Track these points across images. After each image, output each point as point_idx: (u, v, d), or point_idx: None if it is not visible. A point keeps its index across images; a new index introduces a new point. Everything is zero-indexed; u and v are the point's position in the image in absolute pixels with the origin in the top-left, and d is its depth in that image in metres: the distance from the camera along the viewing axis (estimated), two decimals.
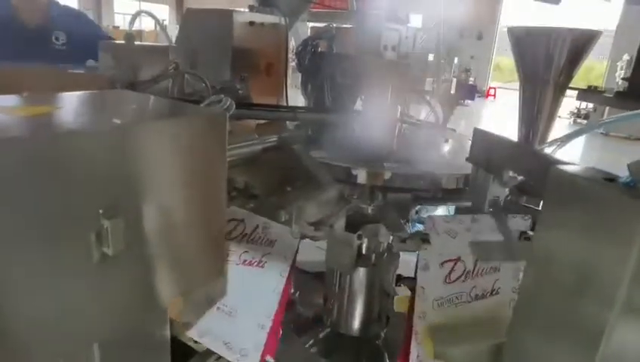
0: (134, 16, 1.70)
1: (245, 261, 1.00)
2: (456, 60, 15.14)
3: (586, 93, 1.44)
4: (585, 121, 10.31)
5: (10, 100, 0.65)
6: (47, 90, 0.74)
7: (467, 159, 0.94)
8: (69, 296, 0.52)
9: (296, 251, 0.99)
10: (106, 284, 0.54)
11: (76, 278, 0.52)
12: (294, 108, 1.40)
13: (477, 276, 0.88)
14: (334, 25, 2.06)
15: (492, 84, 16.62)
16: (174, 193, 0.61)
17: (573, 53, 1.32)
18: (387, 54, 1.77)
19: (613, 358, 0.56)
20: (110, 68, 1.43)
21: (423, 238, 0.89)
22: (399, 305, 1.03)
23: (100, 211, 0.51)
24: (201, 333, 1.00)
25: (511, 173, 0.83)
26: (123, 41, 1.48)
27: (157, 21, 1.76)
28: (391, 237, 0.97)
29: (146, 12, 1.69)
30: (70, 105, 0.68)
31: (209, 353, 1.22)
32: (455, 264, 0.88)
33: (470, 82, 15.38)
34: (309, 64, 1.77)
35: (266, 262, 1.00)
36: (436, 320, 0.87)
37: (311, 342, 1.49)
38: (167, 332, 0.74)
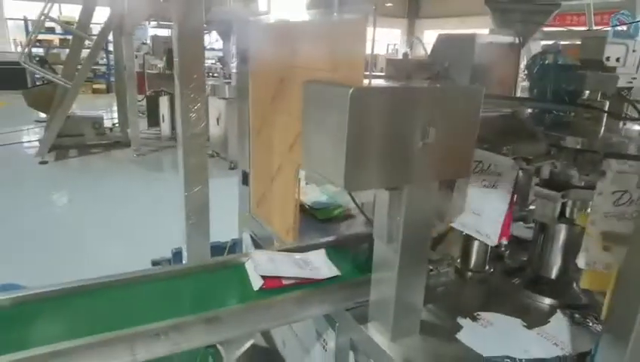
0: (409, 42, 2.44)
1: (485, 185, 1.62)
2: None
3: None
4: None
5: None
6: None
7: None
8: (409, 158, 1.21)
9: (516, 178, 1.53)
10: (422, 157, 1.22)
11: (413, 150, 1.21)
12: (522, 99, 1.91)
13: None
14: (561, 42, 2.45)
15: None
16: (451, 126, 1.25)
17: None
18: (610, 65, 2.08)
19: None
20: (393, 74, 2.20)
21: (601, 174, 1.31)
22: (580, 219, 1.45)
23: (427, 123, 1.19)
24: (463, 226, 1.73)
25: None
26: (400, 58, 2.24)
27: (424, 47, 2.48)
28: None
29: (417, 38, 2.41)
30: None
31: None
32: (623, 194, 1.26)
33: None
34: (537, 74, 2.22)
35: (497, 185, 1.58)
36: (602, 227, 1.29)
37: (517, 280, 1.95)
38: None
